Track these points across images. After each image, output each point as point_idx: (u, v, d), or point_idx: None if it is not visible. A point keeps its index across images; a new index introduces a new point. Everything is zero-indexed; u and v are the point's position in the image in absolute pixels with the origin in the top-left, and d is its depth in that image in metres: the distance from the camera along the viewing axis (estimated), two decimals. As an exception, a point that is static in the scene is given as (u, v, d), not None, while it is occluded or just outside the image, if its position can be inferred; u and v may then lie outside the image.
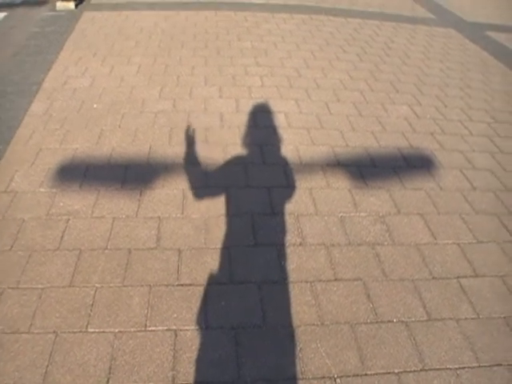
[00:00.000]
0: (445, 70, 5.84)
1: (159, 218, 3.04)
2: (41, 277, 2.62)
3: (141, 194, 3.22)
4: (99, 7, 6.86)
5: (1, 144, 3.68)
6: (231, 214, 3.13)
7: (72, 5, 6.65)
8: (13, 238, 2.83)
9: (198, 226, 3.00)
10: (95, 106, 4.32)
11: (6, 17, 6.42)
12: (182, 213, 3.09)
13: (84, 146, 3.70)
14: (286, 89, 4.87)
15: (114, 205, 3.12)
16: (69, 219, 2.99)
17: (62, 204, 3.10)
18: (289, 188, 3.39)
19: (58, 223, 2.95)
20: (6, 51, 5.31)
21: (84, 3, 6.97)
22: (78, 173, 3.38)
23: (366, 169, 3.69)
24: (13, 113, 4.12)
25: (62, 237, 2.87)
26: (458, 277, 2.83)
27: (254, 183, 3.41)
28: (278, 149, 3.82)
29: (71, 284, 2.58)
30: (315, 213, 3.19)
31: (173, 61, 5.33)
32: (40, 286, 2.57)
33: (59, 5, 6.62)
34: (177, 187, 3.31)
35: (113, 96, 4.47)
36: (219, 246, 2.88)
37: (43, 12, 6.60)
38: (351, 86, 5.09)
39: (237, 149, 3.79)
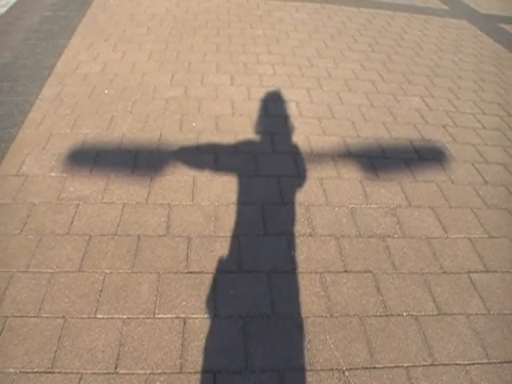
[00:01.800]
0: (458, 62, 5.77)
1: (169, 205, 3.02)
2: (50, 261, 2.61)
3: (151, 181, 3.20)
4: (111, -8, 6.81)
5: (12, 127, 3.66)
6: (241, 203, 3.11)
7: (84, -11, 6.60)
8: (23, 222, 2.83)
9: (208, 214, 2.98)
10: (106, 91, 4.30)
11: (18, 1, 6.38)
12: (192, 200, 3.07)
13: (94, 131, 3.68)
14: (297, 78, 4.83)
15: (123, 191, 3.10)
16: (79, 204, 2.98)
17: (72, 189, 3.09)
18: (299, 178, 3.36)
19: (68, 208, 2.94)
20: (18, 35, 5.29)
21: (96, -12, 6.91)
22: (89, 158, 3.37)
23: (378, 160, 3.65)
24: (24, 97, 4.11)
25: (72, 222, 2.85)
26: (468, 271, 2.80)
27: (264, 172, 3.39)
28: (289, 138, 3.79)
29: (80, 269, 2.58)
30: (325, 203, 3.16)
31: (184, 47, 5.28)
32: (49, 271, 2.56)
33: (71, -11, 6.56)
34: (187, 174, 3.29)
35: (124, 82, 4.45)
36: (229, 234, 2.87)
37: (55, -4, 6.54)
38: (363, 76, 5.04)
39: (248, 137, 3.76)
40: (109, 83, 4.43)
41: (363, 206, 3.20)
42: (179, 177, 3.26)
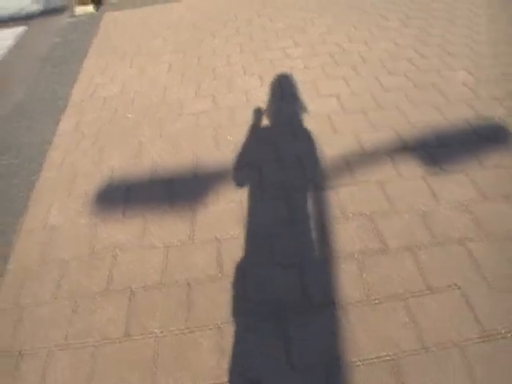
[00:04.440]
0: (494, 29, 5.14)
1: (217, 239, 2.60)
2: (91, 328, 2.22)
3: (193, 213, 2.79)
4: (120, 6, 6.46)
5: (33, 174, 3.30)
6: (298, 221, 2.64)
7: (91, 8, 6.27)
8: (56, 285, 2.45)
9: (262, 244, 2.53)
10: (129, 115, 3.91)
11: (26, 31, 6.07)
12: (244, 230, 2.62)
13: (122, 162, 3.29)
14: (331, 67, 4.34)
15: (164, 230, 2.69)
16: (115, 253, 2.58)
17: (105, 235, 2.70)
18: (357, 185, 2.89)
19: (104, 260, 2.55)
20: (30, 66, 4.96)
21: (103, 4, 6.54)
22: (119, 196, 2.97)
23: (437, 150, 3.15)
24: (42, 135, 3.75)
25: (110, 275, 2.46)
26: None
27: (316, 184, 2.94)
28: (337, 139, 3.31)
29: (126, 333, 2.18)
30: (392, 210, 2.69)
31: (205, 52, 4.87)
32: (91, 341, 2.16)
33: (78, 10, 6.25)
34: (233, 199, 2.86)
35: (146, 100, 4.05)
36: (287, 262, 2.41)
37: (63, 19, 6.26)
38: (399, 55, 4.51)
39: (292, 144, 3.32)
40: (130, 104, 4.03)
41: (433, 206, 2.72)
42: (224, 204, 2.84)
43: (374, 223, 2.62)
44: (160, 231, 2.70)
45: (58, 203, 3.00)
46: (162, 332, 2.20)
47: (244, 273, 2.41)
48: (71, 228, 2.79)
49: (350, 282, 2.31)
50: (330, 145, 3.25)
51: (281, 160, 3.15)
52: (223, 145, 3.36)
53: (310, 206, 2.76)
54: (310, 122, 3.53)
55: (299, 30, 5.22)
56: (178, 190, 2.99)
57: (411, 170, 2.98)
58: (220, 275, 2.42)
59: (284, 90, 4.02)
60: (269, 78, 4.25)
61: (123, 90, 4.30)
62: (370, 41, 4.86)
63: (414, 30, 5.02)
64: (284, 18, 5.65)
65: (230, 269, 2.44)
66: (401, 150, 3.16)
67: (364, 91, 3.91)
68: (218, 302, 2.28)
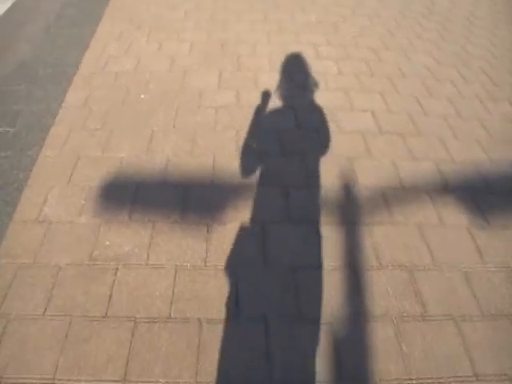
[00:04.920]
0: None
1: (235, 269, 2.28)
2: (84, 363, 1.93)
3: (208, 231, 2.49)
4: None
5: (31, 148, 2.97)
6: (326, 264, 2.35)
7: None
8: (47, 296, 2.15)
9: (285, 283, 2.24)
10: (142, 96, 3.55)
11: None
12: (265, 260, 2.33)
13: (132, 154, 2.96)
14: (366, 77, 4.03)
15: (174, 246, 2.39)
16: (118, 268, 2.28)
17: (108, 243, 2.38)
18: (393, 224, 2.58)
19: (105, 274, 2.25)
20: (38, 24, 4.55)
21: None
22: (127, 195, 2.67)
23: (482, 196, 2.88)
24: (45, 104, 3.39)
25: (111, 296, 2.15)
26: None
27: (348, 217, 2.64)
28: (373, 164, 3.02)
29: (126, 378, 1.86)
30: (433, 265, 2.43)
31: (229, 37, 4.52)
32: (83, 379, 1.84)
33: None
34: (254, 218, 2.55)
35: (163, 83, 3.70)
36: (314, 315, 2.13)
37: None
38: (440, 73, 4.21)
39: (321, 161, 3.01)
40: (144, 85, 3.67)
41: (479, 267, 2.45)
42: (244, 223, 2.50)
43: (413, 279, 2.35)
44: (169, 245, 2.41)
45: (57, 191, 2.69)
46: (166, 382, 1.89)
47: (266, 323, 2.10)
48: (69, 226, 2.48)
49: (386, 352, 2.03)
50: (365, 171, 2.95)
51: (311, 185, 2.83)
52: (245, 151, 3.03)
53: (341, 244, 2.46)
54: (342, 139, 3.21)
55: (331, 27, 4.83)
56: (192, 198, 2.69)
57: (454, 217, 2.71)
58: (237, 319, 2.10)
59: (314, 97, 3.67)
60: (298, 78, 3.89)
61: (138, 66, 3.93)
62: (408, 51, 4.50)
63: (454, 47, 4.68)
64: (316, 9, 5.26)
65: (250, 312, 2.13)
66: (442, 189, 2.89)
67: (401, 110, 3.61)
68: (235, 357, 1.98)
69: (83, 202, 2.62)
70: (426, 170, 3.04)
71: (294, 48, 4.41)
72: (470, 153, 3.23)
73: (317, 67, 4.10)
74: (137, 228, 2.48)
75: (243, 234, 2.49)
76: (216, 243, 2.44)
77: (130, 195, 2.67)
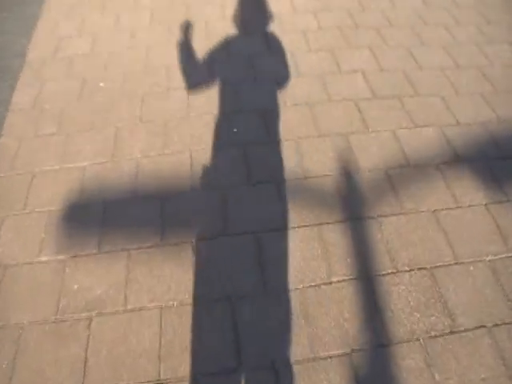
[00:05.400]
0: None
1: (230, 301, 1.88)
2: None
3: (194, 253, 2.05)
4: None
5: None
6: (337, 276, 1.98)
7: None
8: (9, 367, 1.75)
9: (297, 311, 1.86)
10: (102, 84, 3.07)
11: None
12: (265, 286, 1.92)
13: (95, 162, 2.52)
14: (351, 30, 3.47)
15: (156, 280, 2.00)
16: (91, 319, 1.88)
17: (76, 287, 1.98)
18: (404, 213, 2.17)
19: (77, 331, 1.87)
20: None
21: None
22: (94, 218, 2.26)
23: (495, 163, 2.46)
24: (-9, 108, 2.89)
25: (86, 361, 1.76)
26: None
27: (353, 210, 2.22)
28: (372, 139, 2.61)
29: None
30: (454, 260, 2.05)
31: None
32: None
33: None
34: (246, 230, 2.12)
35: (124, 65, 3.22)
36: (336, 351, 1.75)
37: None
38: (431, 17, 3.67)
39: (317, 146, 2.58)
40: (103, 69, 3.17)
41: (503, 256, 2.02)
42: (237, 239, 2.10)
43: (435, 282, 1.97)
44: (150, 280, 2.02)
45: (11, 223, 2.28)
46: None
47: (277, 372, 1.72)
48: (28, 269, 2.08)
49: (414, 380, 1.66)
50: (365, 149, 2.52)
51: (309, 176, 2.39)
52: (230, 141, 2.57)
53: (347, 248, 2.05)
54: (335, 110, 2.74)
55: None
56: (170, 214, 2.27)
57: (470, 194, 2.29)
58: (236, 370, 1.72)
59: (296, 60, 3.18)
60: (279, 39, 3.38)
61: (94, 47, 3.41)
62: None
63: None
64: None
65: (252, 360, 1.74)
66: (451, 160, 2.45)
67: (395, 67, 3.10)
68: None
69: (43, 234, 2.19)
70: (431, 137, 2.61)
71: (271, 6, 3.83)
72: (474, 111, 2.79)
73: (298, 24, 3.55)
74: (109, 261, 2.07)
75: (237, 254, 2.06)
76: (204, 268, 2.01)
77: (97, 218, 2.24)
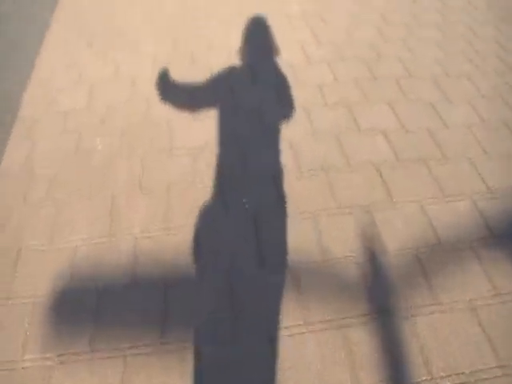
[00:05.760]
0: None
1: None
2: None
3: (197, 357, 1.75)
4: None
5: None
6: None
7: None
8: None
9: None
10: (99, 146, 2.80)
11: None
12: None
13: (89, 238, 2.27)
14: (368, 82, 3.23)
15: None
16: None
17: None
18: (442, 310, 1.93)
19: None
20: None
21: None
22: (85, 309, 2.00)
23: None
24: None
25: None
26: None
27: (381, 304, 1.93)
28: (397, 213, 2.35)
29: None
30: (497, 363, 1.75)
31: (198, 42, 3.69)
32: None
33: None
34: (257, 331, 1.83)
35: (122, 120, 3.00)
36: None
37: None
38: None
39: (333, 224, 2.27)
40: (100, 126, 2.93)
41: None
42: (248, 349, 1.81)
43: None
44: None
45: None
46: None
47: None
48: (9, 375, 1.77)
49: None
50: (390, 224, 2.25)
51: (329, 257, 2.12)
52: (237, 217, 2.30)
53: (377, 348, 1.76)
54: (355, 176, 2.49)
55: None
56: (174, 304, 1.98)
57: (509, 279, 1.98)
58: None
59: (311, 116, 2.94)
60: (286, 96, 3.14)
61: (91, 99, 3.18)
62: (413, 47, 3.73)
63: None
64: None
65: None
66: (487, 236, 2.16)
67: (418, 125, 2.85)
68: None
69: (28, 330, 1.91)
70: (460, 210, 2.31)
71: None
72: (504, 173, 2.50)
73: (309, 75, 3.31)
74: (103, 365, 1.79)
75: (251, 358, 1.77)
76: (211, 378, 1.71)
77: (89, 310, 1.97)
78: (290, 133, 2.79)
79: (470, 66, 3.31)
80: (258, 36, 3.70)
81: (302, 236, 2.21)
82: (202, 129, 2.86)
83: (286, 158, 2.62)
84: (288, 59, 3.44)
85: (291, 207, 2.35)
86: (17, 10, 4.25)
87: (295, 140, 2.74)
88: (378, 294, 1.98)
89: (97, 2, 4.37)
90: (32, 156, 2.78)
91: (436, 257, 2.10)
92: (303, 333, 1.86)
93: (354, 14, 3.97)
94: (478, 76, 3.22)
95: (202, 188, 2.48)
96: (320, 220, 2.28)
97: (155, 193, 2.47)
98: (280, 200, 2.39)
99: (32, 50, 3.75)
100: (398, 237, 2.20)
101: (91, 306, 1.99)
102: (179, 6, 4.23)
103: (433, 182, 2.47)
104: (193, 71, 3.39)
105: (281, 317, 1.91)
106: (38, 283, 2.09)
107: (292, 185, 2.46)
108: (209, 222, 2.30)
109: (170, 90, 3.20)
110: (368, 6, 4.07)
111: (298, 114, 2.92)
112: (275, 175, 2.52)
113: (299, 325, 1.89)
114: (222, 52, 3.58)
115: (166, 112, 3.04)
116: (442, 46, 3.55)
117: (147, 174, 2.58)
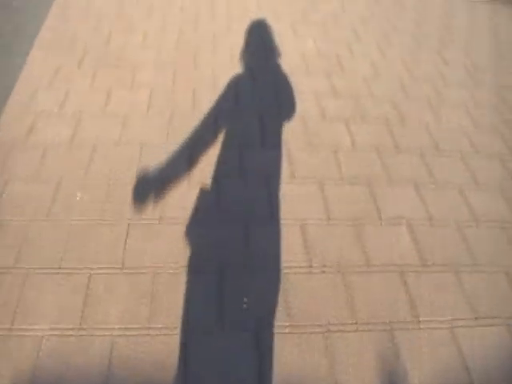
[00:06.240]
0: None
1: None
2: None
3: None
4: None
5: None
6: None
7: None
8: None
9: None
10: (78, 197, 2.41)
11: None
12: None
13: (57, 328, 1.91)
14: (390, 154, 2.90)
15: None
16: None
17: None
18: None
19: None
20: None
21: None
22: None
23: None
24: None
25: None
26: None
27: None
28: (423, 337, 2.01)
29: None
30: None
31: (200, 75, 3.32)
32: None
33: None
34: None
35: (108, 163, 2.62)
36: None
37: None
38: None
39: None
40: (83, 172, 2.54)
41: None
42: None
43: None
44: None
45: None
46: None
47: None
48: None
49: None
50: (416, 352, 1.96)
51: None
52: (236, 324, 1.93)
53: None
54: (375, 283, 2.15)
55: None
56: None
57: None
58: None
59: (326, 195, 2.59)
60: (300, 168, 2.79)
61: (76, 133, 2.79)
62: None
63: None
64: None
65: None
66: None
67: (446, 217, 2.52)
68: None
69: None
70: (495, 337, 1.98)
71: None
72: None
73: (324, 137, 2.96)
74: None
75: None
76: None
77: None
78: (301, 217, 2.42)
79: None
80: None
81: (311, 365, 1.85)
82: (204, 199, 2.49)
83: (296, 250, 2.26)
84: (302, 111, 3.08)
85: (300, 318, 1.99)
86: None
87: (306, 225, 2.38)
88: None
89: (92, 20, 3.94)
90: (2, 204, 2.36)
91: None
92: None
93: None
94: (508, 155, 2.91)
95: (193, 277, 2.10)
96: (334, 341, 1.94)
97: (140, 277, 2.10)
98: (286, 308, 2.03)
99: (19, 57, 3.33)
100: (424, 371, 1.87)
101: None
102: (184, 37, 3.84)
103: (463, 299, 2.14)
104: (195, 111, 2.99)
105: None
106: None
107: (301, 287, 2.11)
108: (199, 324, 1.92)
109: (167, 135, 2.81)
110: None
111: (311, 188, 2.56)
112: (281, 270, 2.16)
113: None
114: (228, 98, 3.19)
115: (160, 156, 2.65)
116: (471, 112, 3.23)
117: (132, 248, 2.22)
